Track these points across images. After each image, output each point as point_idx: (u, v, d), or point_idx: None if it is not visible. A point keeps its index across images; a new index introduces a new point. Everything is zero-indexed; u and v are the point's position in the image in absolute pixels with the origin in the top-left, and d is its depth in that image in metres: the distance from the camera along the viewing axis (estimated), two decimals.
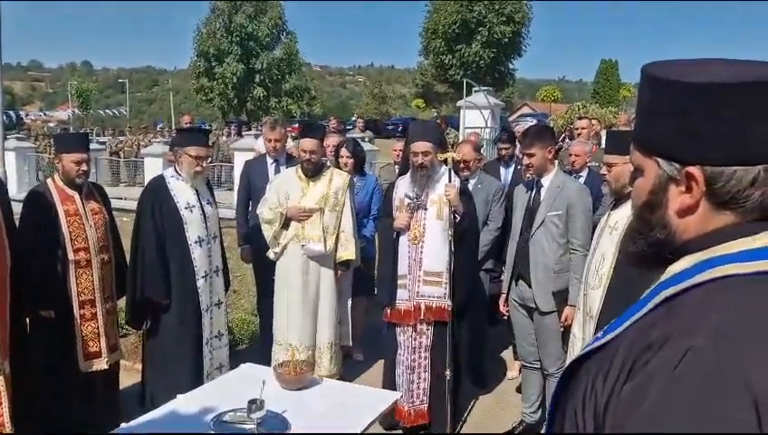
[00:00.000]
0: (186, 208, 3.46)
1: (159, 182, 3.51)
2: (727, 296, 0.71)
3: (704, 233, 0.78)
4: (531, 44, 36.29)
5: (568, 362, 0.86)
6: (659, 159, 0.81)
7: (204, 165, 3.49)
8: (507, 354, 4.68)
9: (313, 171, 3.84)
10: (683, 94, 0.76)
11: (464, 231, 3.33)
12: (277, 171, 4.36)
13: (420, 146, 3.35)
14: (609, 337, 0.79)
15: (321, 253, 3.75)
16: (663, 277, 0.80)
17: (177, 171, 3.53)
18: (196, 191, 3.53)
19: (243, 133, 15.30)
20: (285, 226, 3.80)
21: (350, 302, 4.15)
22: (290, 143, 5.70)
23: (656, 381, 0.67)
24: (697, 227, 0.79)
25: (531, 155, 3.31)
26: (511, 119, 34.63)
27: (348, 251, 3.84)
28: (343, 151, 4.48)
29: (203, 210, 3.52)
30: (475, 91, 11.99)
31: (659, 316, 0.75)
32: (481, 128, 10.72)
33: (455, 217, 3.31)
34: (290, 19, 35.32)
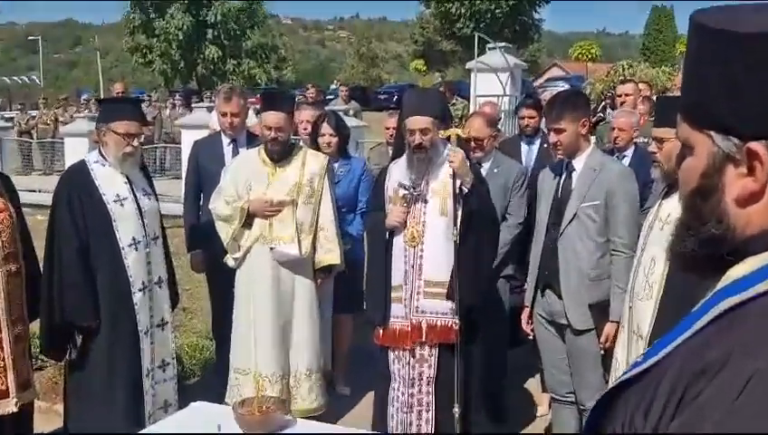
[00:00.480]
0: (115, 202, 3.46)
1: (80, 169, 3.50)
2: None
3: None
4: None
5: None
6: (713, 133, 0.81)
7: (136, 144, 3.49)
8: (533, 385, 4.71)
9: (281, 153, 3.84)
10: (744, 48, 0.77)
11: (473, 214, 3.32)
12: (235, 154, 4.37)
13: (418, 121, 3.36)
14: (651, 361, 0.79)
15: (294, 257, 3.76)
16: (720, 285, 0.80)
17: (102, 155, 3.52)
18: (128, 180, 3.52)
19: (192, 105, 15.25)
20: (248, 224, 3.81)
21: (330, 316, 4.18)
22: (252, 118, 5.70)
23: (711, 414, 0.68)
24: (763, 219, 0.79)
25: (559, 130, 3.33)
26: (536, 84, 34.72)
27: (330, 254, 3.86)
28: (326, 128, 4.49)
29: (138, 204, 3.53)
30: (490, 49, 12.03)
31: (716, 333, 0.75)
32: (497, 96, 10.72)
33: (461, 192, 3.31)
34: None
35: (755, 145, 0.77)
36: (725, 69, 0.78)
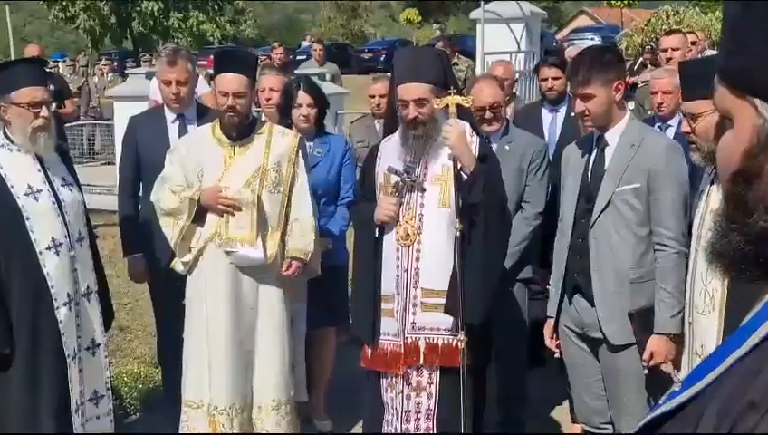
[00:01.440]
0: (27, 195, 3.45)
1: None
2: None
3: None
4: None
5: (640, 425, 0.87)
6: (758, 102, 0.81)
7: (46, 114, 3.48)
8: (561, 415, 4.73)
9: (241, 129, 3.83)
10: None
11: (477, 207, 3.32)
12: (183, 132, 4.36)
13: (411, 90, 3.36)
14: (691, 392, 0.80)
15: (258, 262, 3.74)
16: None
17: (6, 136, 3.51)
18: (42, 165, 3.50)
19: (126, 72, 15.13)
20: (199, 219, 3.80)
21: (304, 333, 4.17)
22: (203, 87, 5.67)
23: None
24: None
25: (586, 96, 3.32)
26: (560, 36, 34.81)
27: (303, 240, 3.84)
28: (302, 96, 4.47)
29: (56, 197, 3.51)
30: None
31: None
32: (510, 53, 10.73)
33: (459, 178, 3.32)
34: None
35: None
36: None
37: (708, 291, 2.74)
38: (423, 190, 3.41)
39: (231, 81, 3.77)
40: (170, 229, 3.84)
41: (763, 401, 0.71)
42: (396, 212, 3.41)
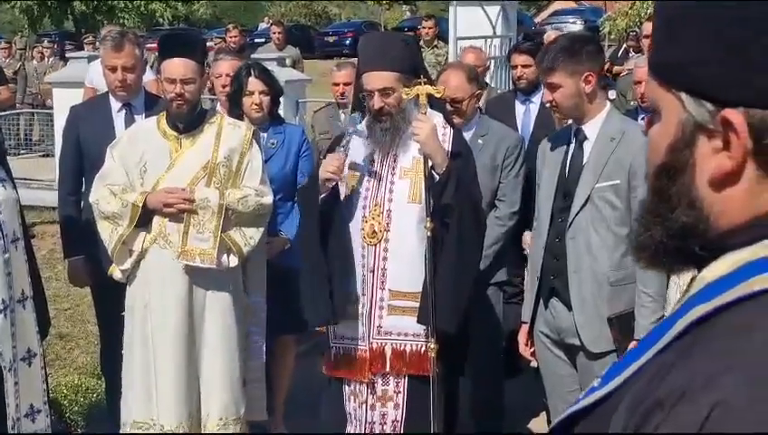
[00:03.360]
0: None
1: None
2: None
3: (753, 217, 0.82)
4: None
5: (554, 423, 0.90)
6: (683, 95, 0.85)
7: None
8: (539, 426, 4.76)
9: (189, 120, 3.80)
10: None
11: (449, 209, 3.33)
12: (130, 123, 4.33)
13: (376, 78, 3.36)
14: (608, 388, 0.83)
15: (210, 266, 3.72)
16: (693, 288, 0.85)
17: None
18: None
19: (67, 55, 14.95)
20: (144, 221, 3.75)
21: (263, 344, 4.15)
22: (149, 74, 5.61)
23: None
24: (742, 206, 0.83)
25: (552, 86, 3.35)
26: (538, 19, 34.87)
27: (262, 197, 3.82)
28: (254, 83, 4.44)
29: None
30: None
31: (679, 353, 0.79)
32: (485, 38, 10.76)
33: (431, 178, 3.32)
34: None
35: (731, 113, 0.81)
36: (722, 26, 0.81)
37: (680, 285, 2.78)
38: (391, 183, 3.41)
39: (178, 66, 3.73)
40: (108, 235, 3.77)
41: (668, 398, 0.74)
42: (340, 167, 3.36)
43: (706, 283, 0.82)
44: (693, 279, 0.87)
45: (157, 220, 3.76)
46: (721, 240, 0.83)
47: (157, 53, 4.90)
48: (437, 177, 3.32)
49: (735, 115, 0.80)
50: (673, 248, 0.87)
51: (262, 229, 3.86)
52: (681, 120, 0.85)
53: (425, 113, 3.33)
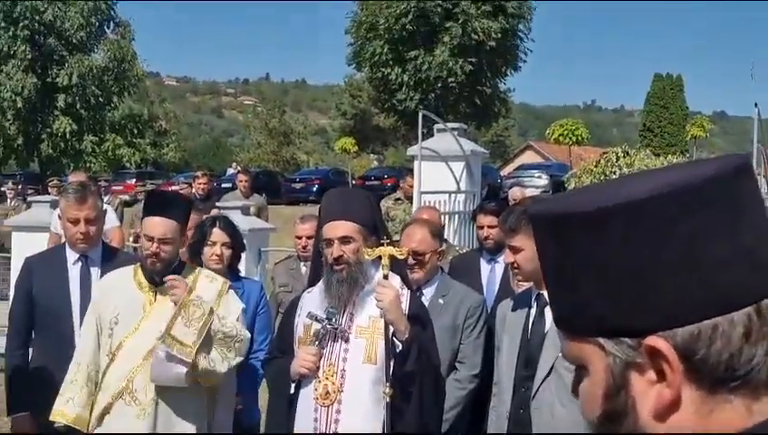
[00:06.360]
0: None
1: None
2: None
3: None
4: (534, 50, 38.37)
5: None
6: (601, 340, 0.85)
7: None
8: None
9: (165, 274, 3.78)
10: (605, 226, 0.83)
11: (411, 377, 3.30)
12: (86, 276, 4.32)
13: (337, 227, 3.37)
14: None
15: (176, 379, 3.66)
16: None
17: None
18: None
19: (29, 199, 14.91)
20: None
21: None
22: (112, 219, 5.62)
23: None
24: (695, 428, 0.82)
25: (516, 249, 3.39)
26: (504, 172, 35.46)
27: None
28: (217, 234, 4.46)
29: None
30: (439, 131, 12.29)
31: None
32: (449, 193, 10.95)
33: (393, 345, 3.30)
34: (123, 5, 36.08)
35: (653, 340, 0.82)
36: (615, 259, 0.84)
37: None
38: (347, 341, 3.37)
39: (158, 225, 3.76)
40: (69, 392, 3.78)
41: None
42: (315, 363, 3.34)
43: None
44: None
45: (124, 376, 3.71)
46: None
47: (122, 197, 4.94)
48: (399, 344, 3.30)
49: (659, 341, 0.81)
50: None
51: (239, 358, 3.81)
52: (608, 365, 0.85)
53: (386, 276, 3.34)
